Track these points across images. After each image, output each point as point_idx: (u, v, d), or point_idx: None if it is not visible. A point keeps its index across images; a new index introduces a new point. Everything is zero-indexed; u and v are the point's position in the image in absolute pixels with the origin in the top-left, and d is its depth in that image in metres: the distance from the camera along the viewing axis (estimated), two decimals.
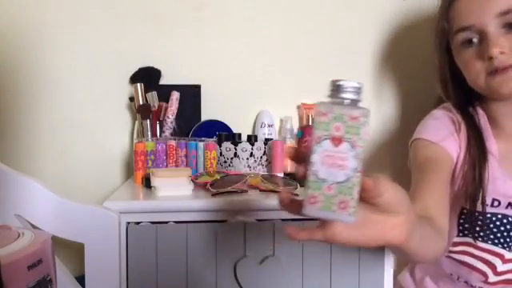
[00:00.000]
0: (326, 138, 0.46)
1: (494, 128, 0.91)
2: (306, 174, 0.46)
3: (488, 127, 0.91)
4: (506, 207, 0.88)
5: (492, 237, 0.89)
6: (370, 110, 0.47)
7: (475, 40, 0.86)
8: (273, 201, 0.90)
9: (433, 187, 0.83)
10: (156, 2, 1.23)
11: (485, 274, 0.89)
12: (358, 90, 0.47)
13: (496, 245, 0.89)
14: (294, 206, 0.50)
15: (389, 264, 0.90)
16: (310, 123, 1.21)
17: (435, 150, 0.89)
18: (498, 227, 0.89)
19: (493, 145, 0.89)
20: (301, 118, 1.26)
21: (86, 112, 1.23)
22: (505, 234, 0.88)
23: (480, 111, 0.92)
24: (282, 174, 1.01)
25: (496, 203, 0.89)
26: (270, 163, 1.05)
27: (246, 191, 0.93)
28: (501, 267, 0.89)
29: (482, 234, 0.89)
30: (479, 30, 0.84)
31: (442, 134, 0.90)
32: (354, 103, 0.47)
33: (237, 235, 0.86)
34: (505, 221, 0.88)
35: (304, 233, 0.50)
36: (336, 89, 0.48)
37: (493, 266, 0.89)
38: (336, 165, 0.45)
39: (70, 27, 1.21)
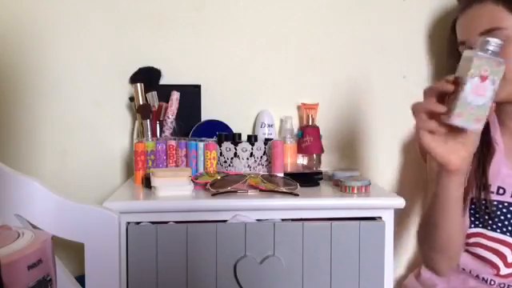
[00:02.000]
0: (476, 76, 0.69)
1: (502, 126, 1.01)
2: (455, 99, 0.71)
3: (497, 125, 1.01)
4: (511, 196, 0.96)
5: (500, 225, 0.96)
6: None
7: None
8: (273, 201, 0.90)
9: None
10: (156, 2, 1.22)
11: (497, 267, 0.95)
12: (501, 46, 0.70)
13: (504, 233, 0.95)
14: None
15: (389, 264, 0.90)
16: (310, 123, 1.21)
17: None
18: (505, 215, 0.96)
19: (499, 139, 0.99)
20: (301, 118, 1.26)
21: (86, 112, 1.23)
22: None
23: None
24: (281, 174, 1.01)
25: (501, 191, 0.97)
26: (269, 163, 1.05)
27: (245, 191, 0.93)
28: (511, 258, 0.95)
29: (490, 222, 0.97)
30: (469, 46, 0.96)
31: None
32: (496, 55, 0.70)
33: (237, 235, 0.86)
34: (511, 209, 0.95)
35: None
36: (486, 44, 0.70)
37: (503, 257, 0.95)
38: (480, 93, 0.69)
39: (70, 27, 1.21)
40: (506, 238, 0.95)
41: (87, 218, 0.76)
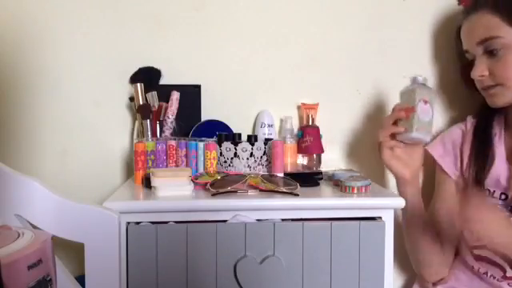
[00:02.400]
0: (421, 101, 0.93)
1: (508, 129, 1.04)
2: (410, 118, 0.93)
3: (502, 128, 1.04)
4: None
5: None
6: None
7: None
8: (273, 201, 0.90)
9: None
10: (156, 2, 1.23)
11: (503, 269, 0.98)
12: (425, 79, 0.98)
13: None
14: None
15: (389, 264, 0.90)
16: (310, 123, 1.21)
17: (440, 174, 1.13)
18: None
19: (502, 144, 1.02)
20: (301, 118, 1.26)
21: (86, 112, 1.23)
22: None
23: (497, 115, 1.06)
24: (282, 174, 1.01)
25: (503, 196, 0.99)
26: (269, 163, 1.05)
27: (245, 191, 0.93)
28: None
29: None
30: (472, 54, 1.01)
31: (448, 160, 1.11)
32: (425, 85, 0.97)
33: (237, 235, 0.86)
34: None
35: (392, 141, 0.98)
36: (419, 80, 0.97)
37: (509, 259, 0.97)
38: (426, 112, 0.93)
39: (70, 27, 1.21)
40: None
41: (87, 218, 0.76)
